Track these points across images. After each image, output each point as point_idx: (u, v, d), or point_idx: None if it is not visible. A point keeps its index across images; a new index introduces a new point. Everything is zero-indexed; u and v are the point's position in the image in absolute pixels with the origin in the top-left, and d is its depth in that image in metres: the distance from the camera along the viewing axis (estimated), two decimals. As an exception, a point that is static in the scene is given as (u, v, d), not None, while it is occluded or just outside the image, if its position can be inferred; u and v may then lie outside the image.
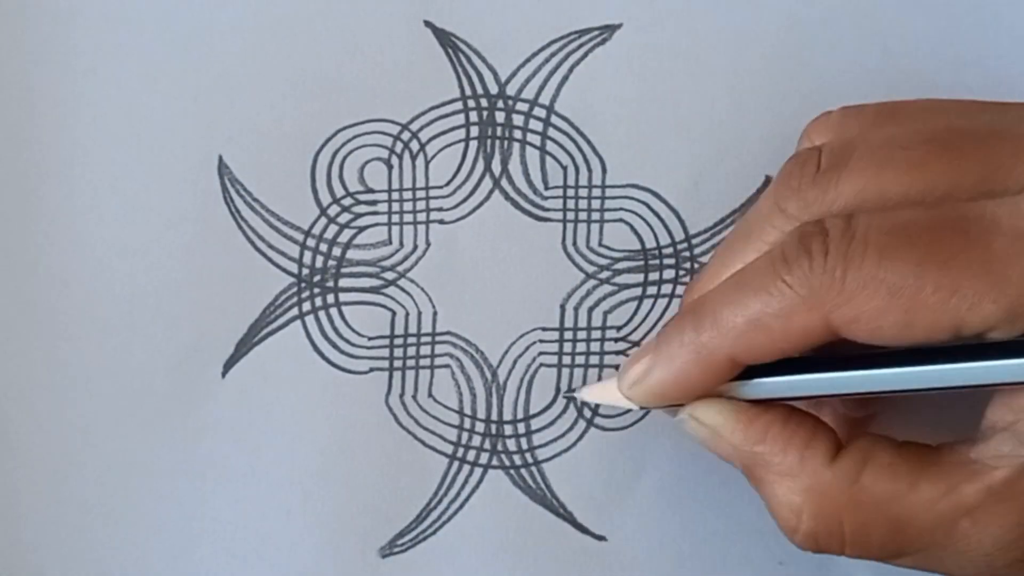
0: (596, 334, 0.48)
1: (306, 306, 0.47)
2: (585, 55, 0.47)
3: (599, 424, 0.48)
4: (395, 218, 0.48)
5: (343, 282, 0.48)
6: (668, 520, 0.48)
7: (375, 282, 0.48)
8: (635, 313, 0.48)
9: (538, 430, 0.48)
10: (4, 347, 0.47)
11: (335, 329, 0.47)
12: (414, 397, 0.48)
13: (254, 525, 0.47)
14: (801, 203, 0.41)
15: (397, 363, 0.48)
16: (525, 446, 0.48)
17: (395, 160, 0.48)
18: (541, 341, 0.48)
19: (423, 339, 0.48)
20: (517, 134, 0.48)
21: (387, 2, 0.48)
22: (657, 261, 0.48)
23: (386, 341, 0.48)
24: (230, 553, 0.47)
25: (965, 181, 0.40)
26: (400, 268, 0.48)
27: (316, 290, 0.48)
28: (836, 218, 0.40)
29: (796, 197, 0.41)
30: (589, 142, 0.48)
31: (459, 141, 0.48)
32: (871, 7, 0.48)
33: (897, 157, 0.40)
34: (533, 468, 0.48)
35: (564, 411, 0.48)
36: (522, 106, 0.48)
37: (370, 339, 0.48)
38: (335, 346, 0.47)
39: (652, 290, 0.48)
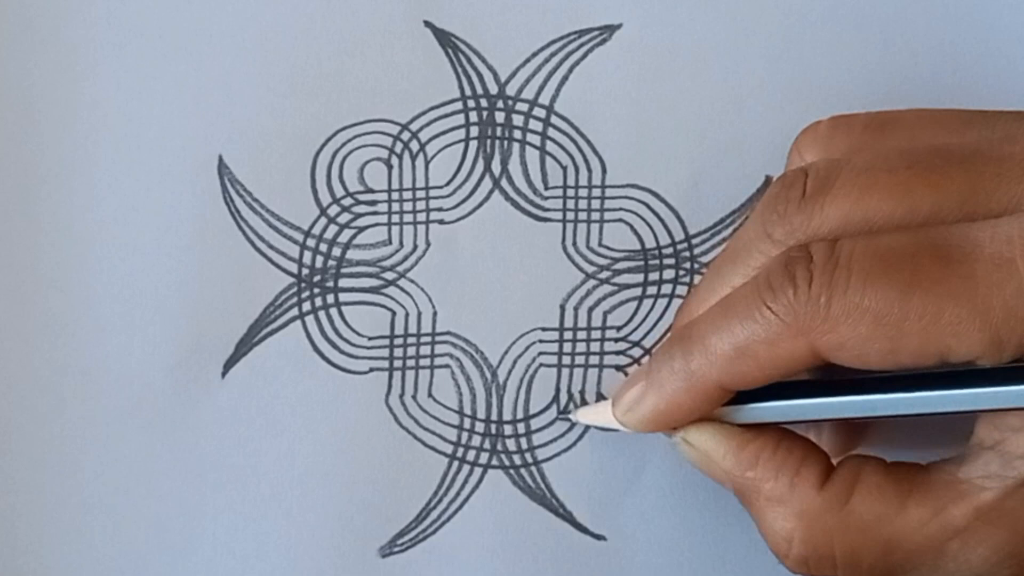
0: (596, 334, 0.48)
1: (306, 306, 0.47)
2: (585, 55, 0.47)
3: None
4: (395, 218, 0.48)
5: (343, 282, 0.48)
6: (668, 520, 0.48)
7: (375, 282, 0.48)
8: (635, 313, 0.48)
9: (538, 430, 0.48)
10: (4, 347, 0.47)
11: (335, 329, 0.48)
12: (414, 397, 0.48)
13: (254, 525, 0.47)
14: (787, 228, 0.41)
15: (397, 363, 0.48)
16: (525, 446, 0.48)
17: (395, 160, 0.48)
18: (541, 341, 0.48)
19: (423, 339, 0.48)
20: (517, 134, 0.48)
21: (387, 2, 0.48)
22: (657, 261, 0.48)
23: (386, 341, 0.48)
24: (230, 553, 0.47)
25: (948, 204, 0.40)
26: (400, 268, 0.48)
27: (316, 290, 0.48)
28: (821, 243, 0.40)
29: (782, 222, 0.42)
30: (589, 142, 0.48)
31: (459, 141, 0.48)
32: (871, 7, 0.48)
33: (881, 181, 0.41)
34: (533, 468, 0.48)
35: (564, 411, 0.48)
36: (522, 106, 0.48)
37: (370, 339, 0.48)
38: (335, 346, 0.48)
39: (652, 290, 0.48)
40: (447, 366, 0.48)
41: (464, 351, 0.48)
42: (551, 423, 0.48)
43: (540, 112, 0.48)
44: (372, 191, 0.48)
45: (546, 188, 0.48)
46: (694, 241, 0.48)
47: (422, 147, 0.48)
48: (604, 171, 0.48)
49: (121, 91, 0.47)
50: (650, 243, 0.48)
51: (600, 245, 0.48)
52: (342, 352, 0.48)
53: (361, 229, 0.48)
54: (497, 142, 0.48)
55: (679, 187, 0.48)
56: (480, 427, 0.48)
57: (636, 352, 0.48)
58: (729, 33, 0.48)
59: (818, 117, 0.45)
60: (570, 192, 0.48)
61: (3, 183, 0.47)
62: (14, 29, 0.47)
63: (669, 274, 0.48)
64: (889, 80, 0.48)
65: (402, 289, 0.48)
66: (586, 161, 0.48)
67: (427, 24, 0.48)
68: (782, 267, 0.40)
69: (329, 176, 0.48)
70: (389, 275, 0.48)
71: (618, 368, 0.48)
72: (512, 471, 0.48)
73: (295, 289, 0.47)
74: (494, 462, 0.48)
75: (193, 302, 0.47)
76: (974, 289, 0.38)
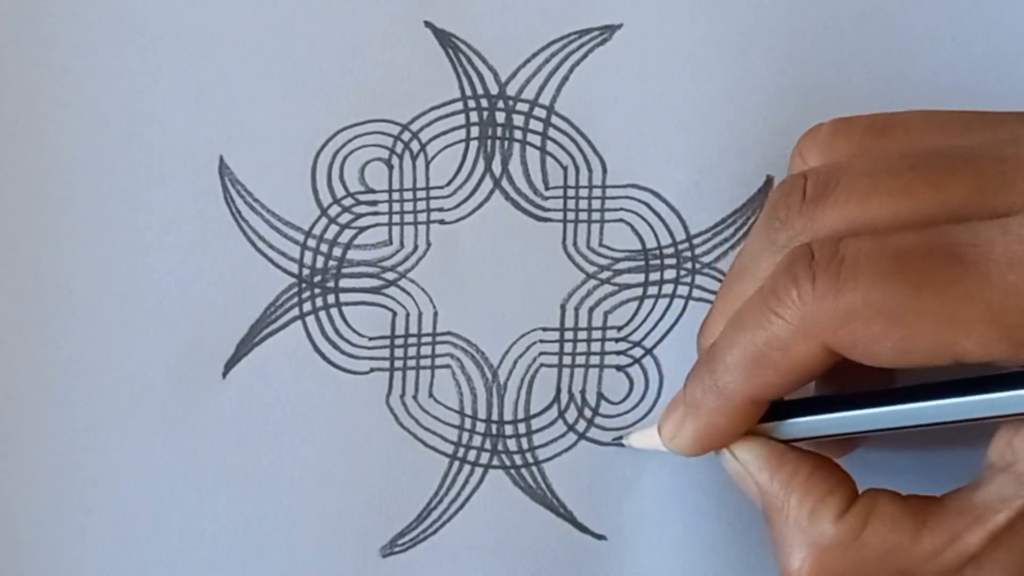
0: (597, 334, 0.48)
1: (307, 306, 0.48)
2: (585, 55, 0.47)
3: (599, 424, 0.48)
4: (396, 218, 0.48)
5: (344, 282, 0.48)
6: (669, 520, 0.48)
7: (376, 282, 0.48)
8: (636, 313, 0.48)
9: (539, 430, 0.48)
10: (4, 347, 0.47)
11: (336, 329, 0.48)
12: (415, 397, 0.48)
13: (255, 525, 0.47)
14: (790, 232, 0.41)
15: (398, 363, 0.48)
16: (525, 446, 0.48)
17: (396, 160, 0.48)
18: (542, 341, 0.48)
19: (424, 339, 0.48)
20: (517, 134, 0.48)
21: (387, 2, 0.48)
22: (658, 261, 0.48)
23: (387, 341, 0.48)
24: (231, 553, 0.47)
25: (952, 204, 0.40)
26: (401, 268, 0.48)
27: (317, 290, 0.48)
28: (823, 242, 0.40)
29: (784, 228, 0.41)
30: (589, 142, 0.48)
31: (459, 141, 0.48)
32: (871, 7, 0.48)
33: (883, 184, 0.40)
34: (534, 468, 0.48)
35: (565, 411, 0.48)
36: (522, 106, 0.48)
37: (371, 339, 0.48)
38: (336, 346, 0.48)
39: (653, 290, 0.48)
40: (448, 366, 0.48)
41: (465, 351, 0.48)
42: (552, 423, 0.48)
43: (541, 112, 0.48)
44: (373, 191, 0.48)
45: (547, 188, 0.48)
46: (695, 241, 0.48)
47: (423, 147, 0.48)
48: (605, 171, 0.48)
49: (122, 92, 0.47)
50: (651, 243, 0.48)
51: (601, 245, 0.48)
52: (343, 352, 0.48)
53: (362, 229, 0.48)
54: (498, 142, 0.48)
55: (680, 187, 0.48)
56: (481, 427, 0.48)
57: (637, 352, 0.48)
58: (729, 33, 0.48)
59: (819, 118, 0.45)
60: (571, 192, 0.48)
61: (4, 183, 0.47)
62: (15, 30, 0.47)
63: (670, 274, 0.48)
64: (890, 80, 0.48)
65: (403, 289, 0.48)
66: (587, 161, 0.48)
67: (427, 24, 0.48)
68: (784, 270, 0.40)
69: (330, 176, 0.48)
70: (390, 275, 0.48)
71: (619, 368, 0.48)
72: (513, 471, 0.48)
73: (296, 289, 0.48)
74: (495, 462, 0.48)
75: (194, 302, 0.47)
76: (988, 289, 0.38)
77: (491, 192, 0.48)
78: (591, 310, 0.48)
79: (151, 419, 0.47)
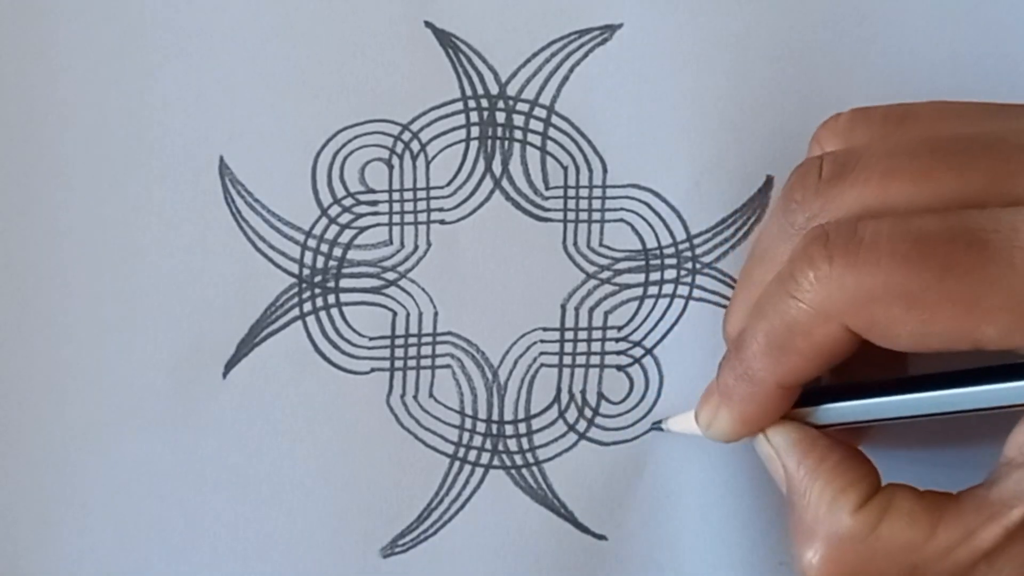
0: (597, 334, 0.48)
1: (307, 306, 0.48)
2: (586, 55, 0.47)
3: (599, 424, 0.48)
4: (396, 218, 0.48)
5: (344, 282, 0.48)
6: (668, 520, 0.48)
7: (376, 282, 0.48)
8: (636, 313, 0.48)
9: (539, 430, 0.48)
10: (4, 347, 0.47)
11: (336, 329, 0.48)
12: (415, 397, 0.48)
13: (255, 525, 0.47)
14: (807, 214, 0.41)
15: (398, 363, 0.48)
16: (526, 446, 0.48)
17: (396, 160, 0.48)
18: (542, 341, 0.48)
19: (424, 339, 0.48)
20: (518, 134, 0.48)
21: (387, 2, 0.48)
22: (658, 261, 0.48)
23: (387, 341, 0.48)
24: (231, 553, 0.47)
25: (972, 190, 0.39)
26: (401, 268, 0.48)
27: (317, 290, 0.48)
28: (840, 223, 0.40)
29: (801, 209, 0.41)
30: (590, 142, 0.48)
31: (460, 141, 0.48)
32: (871, 7, 0.48)
33: (903, 166, 0.40)
34: (534, 468, 0.48)
35: (565, 411, 0.48)
36: (523, 106, 0.48)
37: (371, 339, 0.48)
38: (336, 346, 0.47)
39: (653, 290, 0.48)
40: (448, 366, 0.48)
41: (465, 351, 0.48)
42: (552, 423, 0.48)
43: (541, 112, 0.48)
44: (373, 191, 0.48)
45: (547, 188, 0.48)
46: (695, 241, 0.48)
47: (423, 147, 0.48)
48: (605, 171, 0.48)
49: (122, 91, 0.47)
50: (651, 243, 0.48)
51: (601, 245, 0.48)
52: (343, 352, 0.48)
53: (362, 229, 0.48)
54: (498, 142, 0.48)
55: (680, 187, 0.48)
56: (481, 427, 0.48)
57: (637, 352, 0.48)
58: (729, 33, 0.48)
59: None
60: (571, 192, 0.48)
61: (3, 183, 0.47)
62: (15, 30, 0.47)
63: (670, 274, 0.48)
64: (889, 80, 0.48)
65: (403, 289, 0.48)
66: (587, 161, 0.48)
67: (427, 24, 0.48)
68: (801, 252, 0.40)
69: (330, 176, 0.48)
70: (390, 275, 0.48)
71: (619, 368, 0.48)
72: (513, 471, 0.48)
73: (296, 289, 0.47)
74: (495, 462, 0.48)
75: (194, 302, 0.47)
76: (1012, 276, 0.37)
77: (491, 192, 0.48)
78: (591, 310, 0.48)
79: (151, 419, 0.47)
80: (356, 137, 0.48)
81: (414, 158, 0.48)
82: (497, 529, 0.47)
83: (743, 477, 0.47)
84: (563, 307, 0.48)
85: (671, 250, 0.48)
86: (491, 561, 0.47)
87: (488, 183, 0.48)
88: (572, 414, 0.48)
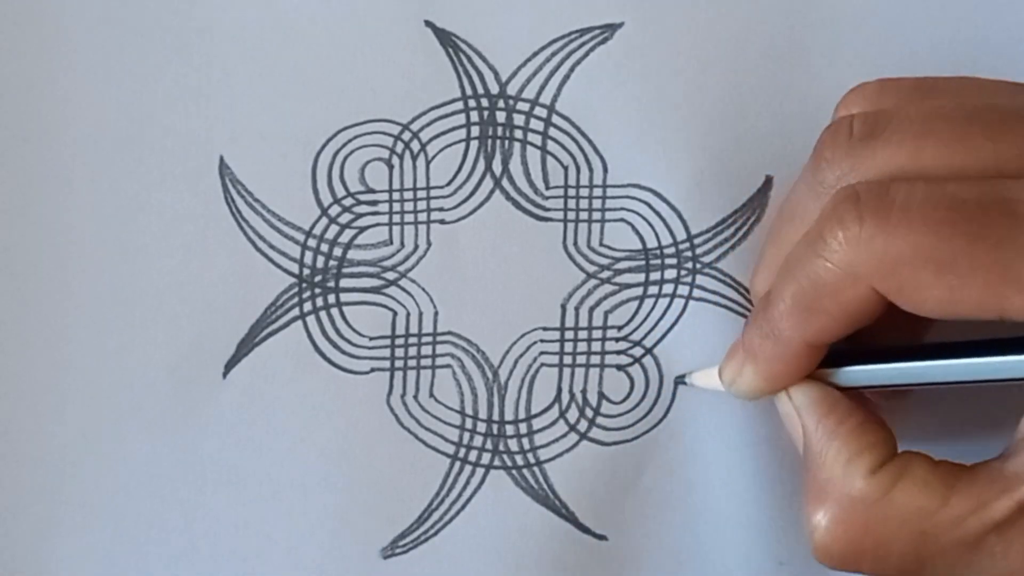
0: (597, 334, 0.48)
1: (307, 306, 0.47)
2: (586, 54, 0.47)
3: (600, 424, 0.48)
4: (396, 218, 0.48)
5: (344, 282, 0.48)
6: (668, 520, 0.48)
7: (376, 282, 0.48)
8: (636, 313, 0.48)
9: (540, 430, 0.48)
10: (4, 347, 0.47)
11: (336, 329, 0.47)
12: (415, 397, 0.48)
13: (255, 525, 0.47)
14: (837, 173, 0.41)
15: (398, 363, 0.48)
16: (527, 446, 0.48)
17: (396, 160, 0.48)
18: (542, 341, 0.48)
19: (424, 339, 0.48)
20: (518, 134, 0.48)
21: (387, 2, 0.48)
22: (659, 261, 0.48)
23: (387, 341, 0.48)
24: (231, 553, 0.47)
25: (1007, 157, 0.39)
26: (401, 268, 0.48)
27: (317, 290, 0.48)
28: (871, 184, 0.39)
29: (831, 168, 0.41)
30: (590, 141, 0.48)
31: (460, 141, 0.48)
32: (871, 7, 0.48)
33: (938, 128, 0.39)
34: (535, 468, 0.48)
35: (566, 411, 0.48)
36: (523, 106, 0.48)
37: (371, 339, 0.48)
38: (336, 346, 0.47)
39: (653, 290, 0.48)
40: (448, 366, 0.48)
41: (465, 351, 0.48)
42: (553, 423, 0.48)
43: (541, 112, 0.48)
44: (373, 191, 0.48)
45: (547, 188, 0.48)
46: (696, 240, 0.48)
47: (423, 147, 0.48)
48: (605, 170, 0.48)
49: (121, 91, 0.47)
50: (651, 243, 0.48)
51: (601, 245, 0.48)
52: (343, 352, 0.47)
53: (362, 229, 0.48)
54: (498, 142, 0.48)
55: (680, 186, 0.48)
56: (482, 427, 0.48)
57: (637, 351, 0.48)
58: (730, 33, 0.48)
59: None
60: (571, 192, 0.48)
61: (3, 183, 0.47)
62: (14, 30, 0.47)
63: (671, 274, 0.48)
64: (889, 80, 0.48)
65: (403, 289, 0.48)
66: (587, 160, 0.48)
67: (428, 24, 0.48)
68: (830, 212, 0.39)
69: (330, 176, 0.48)
70: (390, 275, 0.48)
71: (619, 368, 0.48)
72: (514, 471, 0.48)
73: (296, 289, 0.47)
74: (496, 462, 0.48)
75: (194, 302, 0.47)
76: None
77: (491, 192, 0.48)
78: (591, 310, 0.48)
79: (151, 419, 0.47)
80: (356, 137, 0.48)
81: (414, 158, 0.48)
82: (498, 530, 0.47)
83: (743, 477, 0.47)
84: (563, 307, 0.48)
85: (671, 250, 0.48)
86: (492, 562, 0.47)
87: (488, 183, 0.48)
88: (573, 414, 0.48)
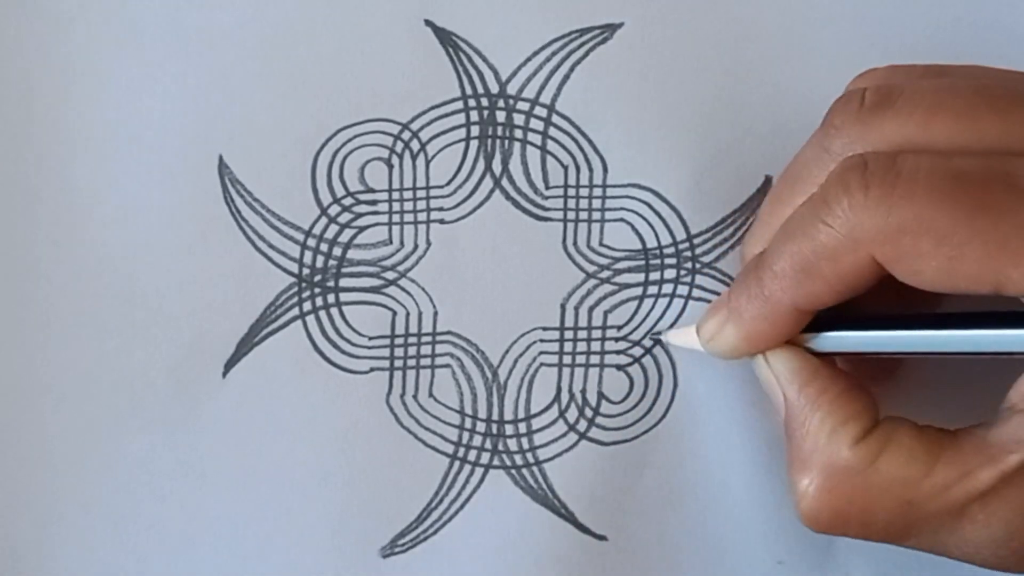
0: (597, 333, 0.48)
1: (307, 306, 0.47)
2: (586, 54, 0.47)
3: (600, 424, 0.48)
4: (396, 218, 0.48)
5: (344, 282, 0.48)
6: (668, 520, 0.48)
7: (376, 282, 0.48)
8: (636, 312, 0.48)
9: (539, 430, 0.48)
10: (4, 347, 0.47)
11: (336, 329, 0.47)
12: (415, 397, 0.48)
13: (255, 525, 0.47)
14: (845, 140, 0.41)
15: (398, 363, 0.48)
16: (526, 446, 0.48)
17: (395, 160, 0.48)
18: (542, 341, 0.48)
19: (424, 339, 0.48)
20: (518, 133, 0.48)
21: (387, 2, 0.48)
22: (658, 260, 0.48)
23: (387, 341, 0.48)
24: (231, 553, 0.47)
25: (1013, 136, 0.39)
26: (401, 268, 0.48)
27: (317, 290, 0.48)
28: (878, 154, 0.39)
29: (839, 135, 0.41)
30: (590, 141, 0.48)
31: (460, 141, 0.48)
32: (871, 7, 0.48)
33: (948, 103, 0.40)
34: (534, 468, 0.48)
35: (565, 410, 0.48)
36: (523, 105, 0.48)
37: (371, 339, 0.48)
38: (336, 346, 0.47)
39: (653, 290, 0.48)
40: (448, 366, 0.48)
41: (465, 351, 0.48)
42: (552, 423, 0.48)
43: (541, 111, 0.48)
44: (373, 191, 0.48)
45: (547, 187, 0.48)
46: (695, 240, 0.48)
47: (423, 147, 0.48)
48: (605, 170, 0.48)
49: (121, 91, 0.47)
50: (651, 243, 0.48)
51: (601, 244, 0.48)
52: (343, 352, 0.47)
53: (362, 229, 0.48)
54: (498, 141, 0.48)
55: (680, 186, 0.48)
56: (481, 427, 0.48)
57: (637, 351, 0.48)
58: (730, 32, 0.48)
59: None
60: (571, 191, 0.48)
61: (3, 183, 0.47)
62: (14, 29, 0.47)
63: (670, 274, 0.48)
64: (889, 80, 0.48)
65: (403, 289, 0.48)
66: (587, 160, 0.48)
67: (428, 23, 0.48)
68: (836, 178, 0.39)
69: (330, 176, 0.47)
70: (390, 275, 0.48)
71: (619, 368, 0.48)
72: (513, 471, 0.48)
73: (296, 289, 0.47)
74: (495, 462, 0.48)
75: (194, 302, 0.47)
76: None
77: (491, 191, 0.48)
78: (591, 309, 0.48)
79: (151, 419, 0.47)
80: (356, 136, 0.47)
81: (414, 157, 0.48)
82: (497, 529, 0.47)
83: (742, 477, 0.47)
84: (563, 307, 0.48)
85: (671, 250, 0.48)
86: (491, 561, 0.47)
87: (488, 182, 0.48)
88: (572, 414, 0.48)
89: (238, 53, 0.47)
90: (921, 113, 0.40)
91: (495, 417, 0.48)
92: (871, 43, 0.48)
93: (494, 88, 0.48)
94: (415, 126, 0.48)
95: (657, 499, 0.48)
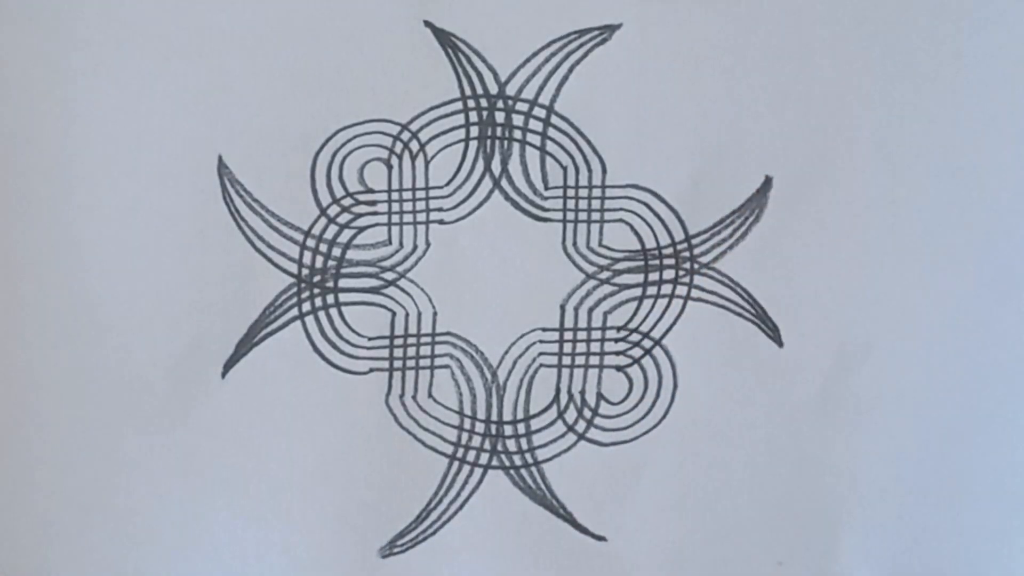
0: (596, 334, 0.48)
1: (306, 306, 0.47)
2: (585, 55, 0.47)
3: (599, 424, 0.48)
4: (395, 218, 0.48)
5: (343, 282, 0.48)
6: (668, 520, 0.48)
7: (375, 282, 0.48)
8: (635, 313, 0.48)
9: (538, 430, 0.48)
10: (5, 347, 0.47)
11: (335, 329, 0.47)
12: (414, 397, 0.48)
13: (254, 525, 0.47)
14: None
15: (397, 363, 0.48)
16: (525, 446, 0.48)
17: (395, 160, 0.48)
18: (541, 341, 0.48)
19: (423, 339, 0.48)
20: (517, 134, 0.48)
21: (387, 2, 0.48)
22: (657, 261, 0.48)
23: (386, 341, 0.48)
24: (230, 553, 0.47)
25: None
26: (400, 268, 0.48)
27: (316, 290, 0.48)
28: None
29: None
30: (589, 142, 0.48)
31: (459, 141, 0.48)
32: (871, 7, 0.48)
33: None
34: (533, 468, 0.48)
35: (564, 411, 0.48)
36: (522, 106, 0.48)
37: (370, 339, 0.48)
38: (335, 346, 0.47)
39: (652, 290, 0.48)
40: (447, 366, 0.48)
41: (464, 351, 0.48)
42: (551, 423, 0.48)
43: (540, 112, 0.48)
44: (372, 191, 0.48)
45: (546, 188, 0.48)
46: (694, 241, 0.48)
47: (422, 147, 0.48)
48: (604, 171, 0.48)
49: (121, 91, 0.47)
50: (650, 243, 0.48)
51: (600, 245, 0.48)
52: (342, 352, 0.47)
53: (361, 229, 0.48)
54: (497, 142, 0.48)
55: (679, 187, 0.48)
56: (480, 427, 0.48)
57: (636, 352, 0.48)
58: (729, 33, 0.48)
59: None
60: (570, 192, 0.48)
61: (3, 183, 0.47)
62: (14, 29, 0.47)
63: (669, 274, 0.48)
64: (890, 80, 0.48)
65: (402, 289, 0.48)
66: (586, 161, 0.48)
67: (427, 24, 0.48)
68: None
69: (329, 176, 0.47)
70: (389, 275, 0.48)
71: (618, 368, 0.48)
72: (512, 471, 0.48)
73: (295, 289, 0.47)
74: (494, 462, 0.48)
75: (193, 302, 0.47)
76: None
77: (491, 192, 0.48)
78: (590, 310, 0.48)
79: (151, 418, 0.47)
80: (355, 137, 0.47)
81: (413, 158, 0.48)
82: (496, 529, 0.47)
83: (742, 477, 0.47)
84: (562, 307, 0.48)
85: (670, 250, 0.48)
86: (490, 561, 0.47)
87: (487, 183, 0.48)
88: (571, 414, 0.48)
89: (238, 53, 0.47)
90: None
91: (494, 418, 0.48)
92: (871, 43, 0.48)
93: (493, 89, 0.48)
94: (414, 126, 0.48)
95: (656, 500, 0.48)
